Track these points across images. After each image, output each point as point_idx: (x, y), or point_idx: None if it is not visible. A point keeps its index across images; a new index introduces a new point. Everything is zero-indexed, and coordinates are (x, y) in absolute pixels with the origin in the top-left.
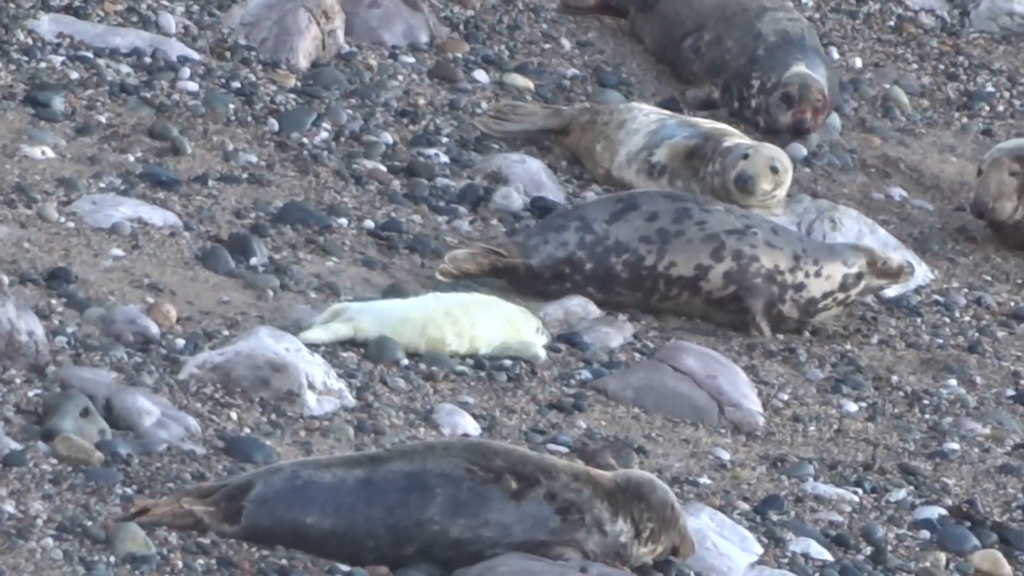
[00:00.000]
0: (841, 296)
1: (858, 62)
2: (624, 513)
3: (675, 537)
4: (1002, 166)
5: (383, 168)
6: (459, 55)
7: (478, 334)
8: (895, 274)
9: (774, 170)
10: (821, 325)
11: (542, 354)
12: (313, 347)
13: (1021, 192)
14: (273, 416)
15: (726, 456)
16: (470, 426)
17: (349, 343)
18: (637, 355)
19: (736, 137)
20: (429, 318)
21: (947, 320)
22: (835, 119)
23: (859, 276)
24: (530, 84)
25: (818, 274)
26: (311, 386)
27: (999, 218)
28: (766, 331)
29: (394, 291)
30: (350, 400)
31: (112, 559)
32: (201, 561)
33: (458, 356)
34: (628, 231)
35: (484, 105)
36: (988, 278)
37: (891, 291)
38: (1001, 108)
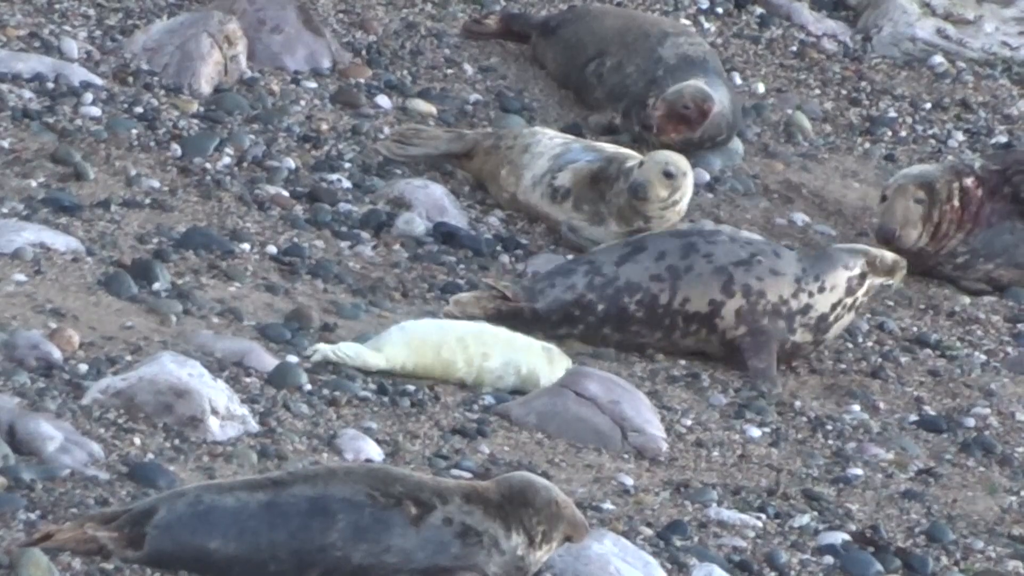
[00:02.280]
0: (849, 301)
1: (761, 87)
2: (516, 525)
3: (566, 529)
4: (907, 193)
5: (285, 193)
6: (361, 80)
7: (487, 367)
8: (892, 269)
9: (668, 175)
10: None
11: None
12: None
13: (925, 220)
14: (176, 441)
15: (629, 481)
16: (373, 451)
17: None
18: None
19: (639, 159)
20: (443, 341)
21: (850, 346)
22: (738, 144)
23: (863, 276)
24: (433, 109)
25: (821, 289)
26: (214, 411)
27: (905, 245)
28: (767, 388)
29: (296, 316)
30: (253, 425)
31: None
32: None
33: (465, 384)
34: (638, 271)
35: (387, 130)
36: (891, 304)
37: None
38: (903, 133)
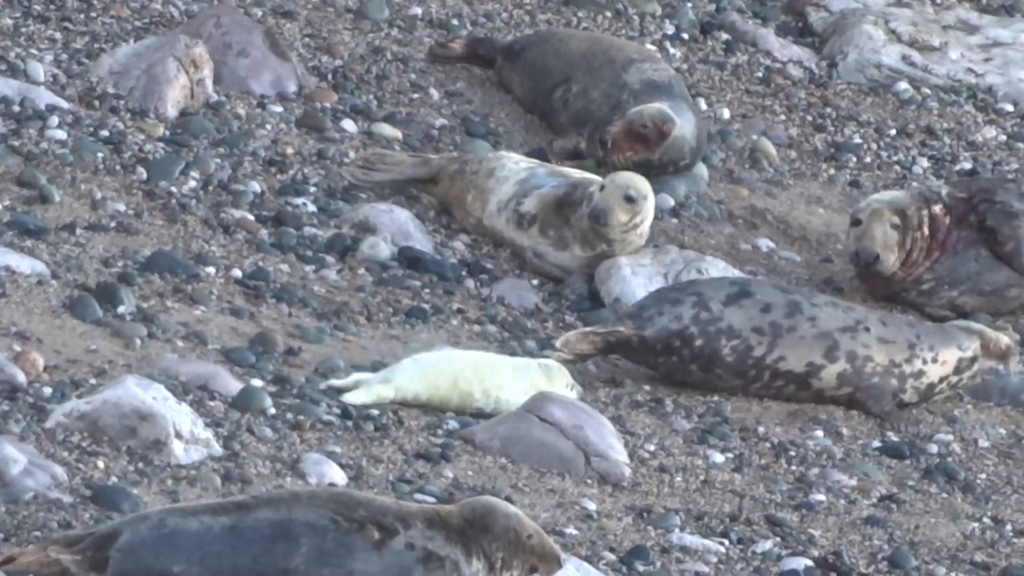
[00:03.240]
0: (955, 379)
1: (726, 113)
2: (476, 550)
3: (531, 559)
4: (884, 218)
5: (251, 217)
6: (327, 105)
7: (504, 398)
8: (1004, 355)
9: (629, 199)
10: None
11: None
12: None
13: (901, 244)
14: (140, 465)
15: (592, 506)
16: (337, 476)
17: (391, 403)
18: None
19: None
20: (460, 373)
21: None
22: (702, 170)
23: (973, 360)
24: (398, 134)
25: (935, 360)
26: (178, 435)
27: (885, 271)
28: (901, 427)
29: (261, 340)
30: (217, 449)
31: None
32: None
33: (481, 414)
34: (742, 318)
35: (352, 154)
36: None
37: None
38: (868, 159)
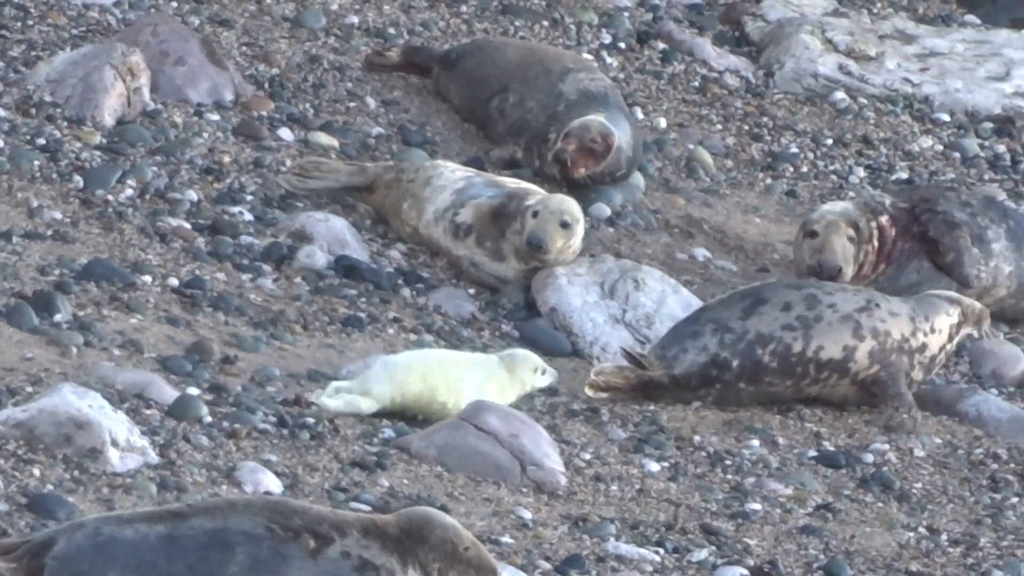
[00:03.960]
0: (949, 347)
1: (663, 122)
2: (412, 560)
3: (467, 570)
4: (841, 230)
5: (187, 226)
6: (264, 113)
7: (463, 390)
8: (980, 319)
9: (565, 225)
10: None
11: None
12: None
13: (855, 256)
14: (76, 473)
15: (528, 515)
16: (272, 484)
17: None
18: None
19: (539, 195)
20: (427, 368)
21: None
22: (639, 179)
23: (959, 325)
24: (335, 142)
25: (932, 330)
26: (114, 443)
27: (844, 282)
28: (915, 410)
29: (197, 349)
30: (153, 457)
31: None
32: None
33: (444, 410)
34: (767, 323)
35: (289, 163)
36: None
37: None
38: (805, 169)
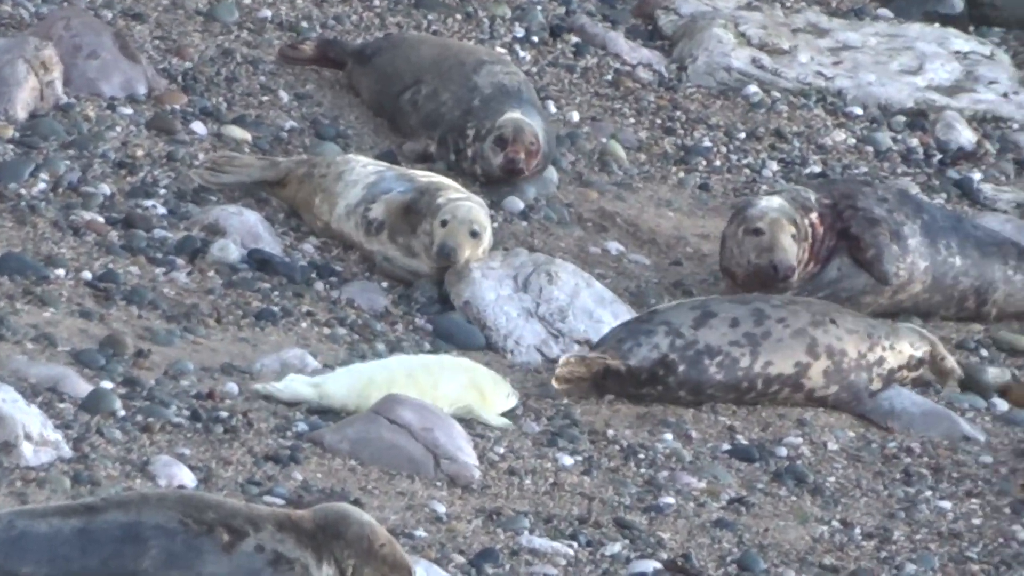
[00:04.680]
0: (905, 374)
1: (575, 116)
2: (327, 556)
3: (383, 568)
4: (785, 228)
5: (101, 219)
6: (177, 107)
7: (440, 394)
8: (945, 375)
9: (474, 234)
10: None
11: (500, 423)
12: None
13: (798, 252)
14: None
15: (442, 509)
16: (186, 478)
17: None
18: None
19: (451, 191)
20: (393, 380)
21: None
22: (552, 173)
23: (920, 362)
24: (248, 136)
25: (892, 348)
26: (27, 437)
27: (794, 282)
28: (883, 422)
29: (111, 342)
30: (67, 451)
31: None
32: None
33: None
34: (717, 336)
35: (202, 157)
36: None
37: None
38: (718, 163)
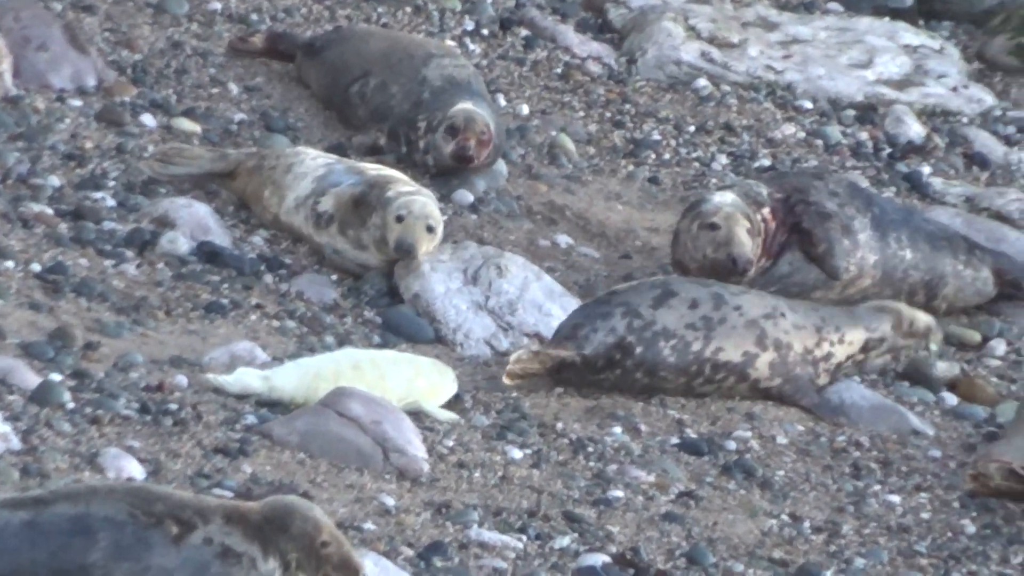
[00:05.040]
0: (860, 357)
1: (525, 109)
2: (272, 549)
3: (329, 567)
4: (741, 222)
5: (50, 211)
6: (127, 99)
7: (388, 387)
8: (922, 334)
9: (430, 229)
10: None
11: (447, 416)
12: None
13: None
14: None
15: (391, 502)
16: (135, 470)
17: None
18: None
19: (400, 184)
20: (340, 372)
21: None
22: (502, 166)
23: (882, 340)
24: (197, 128)
25: (841, 340)
26: None
27: (750, 276)
28: (830, 418)
29: (60, 335)
30: (15, 443)
31: None
32: None
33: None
34: (674, 317)
35: (151, 149)
36: None
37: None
38: (667, 156)
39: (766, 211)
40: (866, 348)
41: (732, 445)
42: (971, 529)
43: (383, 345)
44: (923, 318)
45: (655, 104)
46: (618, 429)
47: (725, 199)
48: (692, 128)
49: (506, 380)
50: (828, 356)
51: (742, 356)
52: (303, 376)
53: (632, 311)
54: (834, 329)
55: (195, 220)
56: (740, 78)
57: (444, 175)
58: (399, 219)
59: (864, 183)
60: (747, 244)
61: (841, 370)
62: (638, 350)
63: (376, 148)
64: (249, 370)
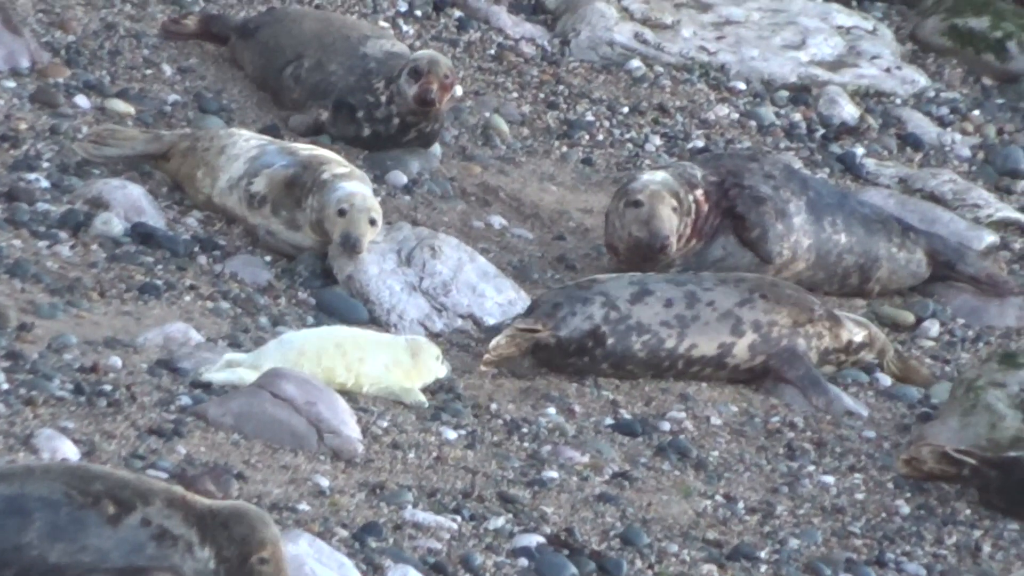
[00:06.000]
0: (843, 358)
1: (459, 90)
2: (210, 540)
3: None
4: (665, 200)
5: None
6: (60, 80)
7: (364, 371)
8: (881, 352)
9: (372, 222)
10: None
11: (421, 400)
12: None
13: (677, 229)
14: None
15: (325, 483)
16: (70, 451)
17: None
18: None
19: (335, 165)
20: (323, 349)
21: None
22: (435, 147)
23: (861, 346)
24: (131, 109)
25: (830, 330)
26: None
27: (670, 254)
28: (819, 398)
29: None
30: None
31: None
32: None
33: (345, 389)
34: (649, 314)
35: (85, 130)
36: None
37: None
38: (601, 137)
39: (699, 192)
40: (848, 350)
41: (666, 426)
42: (905, 510)
43: (316, 326)
44: (881, 334)
45: (588, 85)
46: (552, 410)
47: (654, 178)
48: (626, 109)
49: (484, 368)
50: (820, 335)
51: (718, 348)
52: (287, 353)
53: (610, 303)
54: (825, 318)
55: (129, 201)
56: (673, 59)
57: (381, 147)
58: (341, 212)
59: (798, 164)
60: (667, 221)
61: (826, 362)
62: (610, 341)
63: (317, 127)
64: (235, 357)
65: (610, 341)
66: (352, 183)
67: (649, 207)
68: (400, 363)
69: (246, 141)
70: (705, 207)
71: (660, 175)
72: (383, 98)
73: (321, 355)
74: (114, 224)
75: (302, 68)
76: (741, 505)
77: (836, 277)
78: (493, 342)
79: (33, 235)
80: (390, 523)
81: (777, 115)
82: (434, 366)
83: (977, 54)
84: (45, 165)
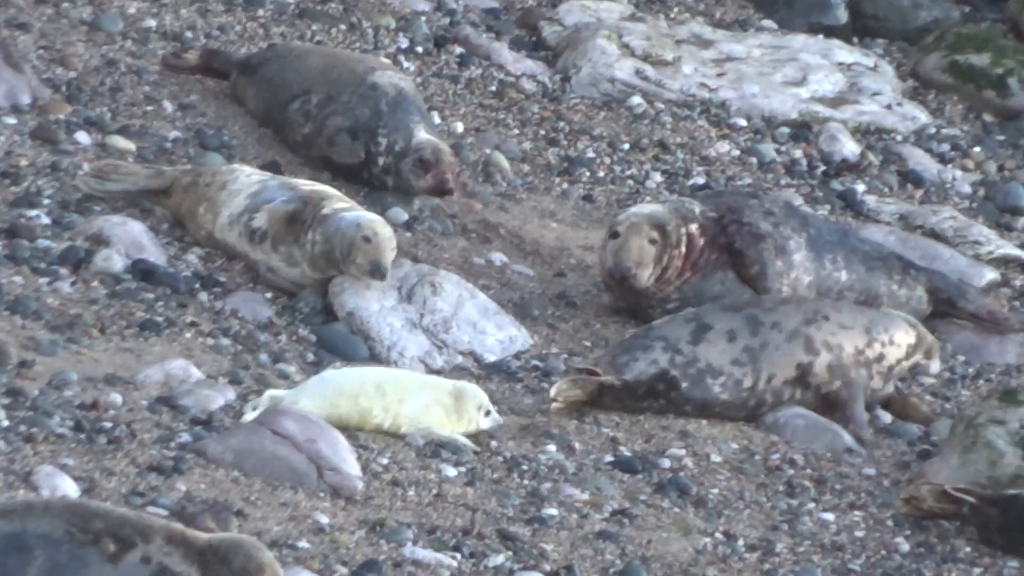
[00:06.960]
0: (906, 364)
1: (460, 127)
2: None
3: None
4: (642, 232)
5: None
6: (61, 116)
7: (404, 412)
8: (930, 350)
9: (393, 250)
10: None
11: (466, 444)
12: None
13: (658, 260)
14: None
15: (325, 520)
16: (70, 488)
17: None
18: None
19: (335, 201)
20: (362, 389)
21: (545, 386)
22: None
23: (915, 347)
24: (132, 146)
25: (891, 342)
26: None
27: (638, 285)
28: (861, 433)
29: None
30: None
31: None
32: None
33: (382, 431)
34: (716, 353)
35: (86, 167)
36: (588, 344)
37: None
38: (602, 174)
39: (693, 227)
40: (908, 354)
41: (666, 463)
42: (905, 547)
43: (317, 363)
44: (930, 336)
45: (589, 122)
46: (552, 447)
47: (641, 210)
48: (626, 146)
49: (553, 408)
50: (880, 358)
51: (796, 369)
52: (326, 392)
53: (671, 346)
54: (883, 330)
55: (130, 238)
56: (674, 96)
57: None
58: (367, 239)
59: (798, 201)
60: (636, 252)
61: (894, 376)
62: (684, 385)
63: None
64: (274, 394)
65: (684, 385)
66: (365, 212)
67: (623, 238)
68: (442, 404)
69: (247, 177)
70: (700, 241)
71: (649, 208)
72: (380, 161)
73: (359, 395)
74: (115, 260)
75: (310, 104)
76: (741, 543)
77: None
78: (555, 388)
79: (34, 271)
80: (390, 560)
81: (778, 152)
82: (474, 416)
83: (978, 91)
84: (46, 201)
